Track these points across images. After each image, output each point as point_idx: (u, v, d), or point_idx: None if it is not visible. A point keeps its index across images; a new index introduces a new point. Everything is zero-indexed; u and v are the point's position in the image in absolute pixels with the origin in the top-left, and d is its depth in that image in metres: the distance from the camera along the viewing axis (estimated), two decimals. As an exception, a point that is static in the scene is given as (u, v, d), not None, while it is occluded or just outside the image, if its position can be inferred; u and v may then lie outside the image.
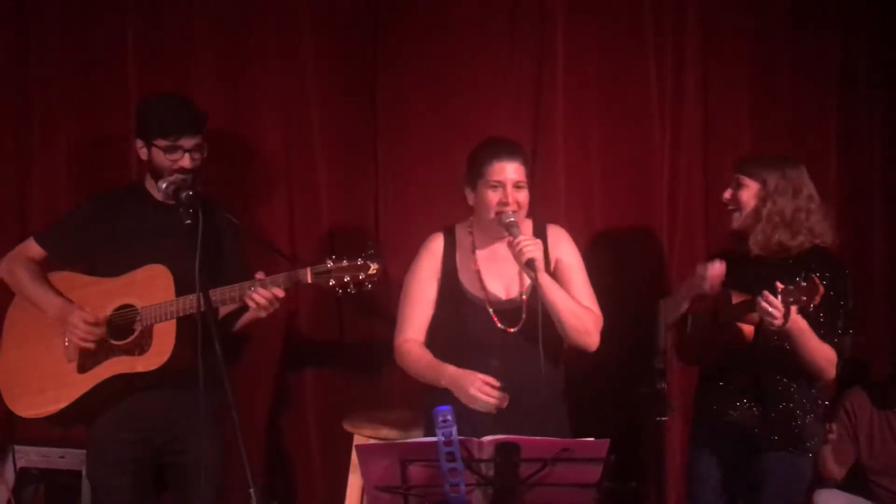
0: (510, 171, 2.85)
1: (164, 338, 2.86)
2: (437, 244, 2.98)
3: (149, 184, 3.04)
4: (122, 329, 2.91)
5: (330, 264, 2.77)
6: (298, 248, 3.71)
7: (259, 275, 2.81)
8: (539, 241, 2.83)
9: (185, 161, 2.92)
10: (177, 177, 2.87)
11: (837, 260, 2.97)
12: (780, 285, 2.66)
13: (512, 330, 2.88)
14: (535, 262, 2.76)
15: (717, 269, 2.91)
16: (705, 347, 3.02)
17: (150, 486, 3.01)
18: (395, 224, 3.72)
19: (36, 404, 2.96)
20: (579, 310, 2.86)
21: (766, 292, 2.67)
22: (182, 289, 2.85)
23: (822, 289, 2.63)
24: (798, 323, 2.75)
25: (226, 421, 2.79)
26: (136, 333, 2.89)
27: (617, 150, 3.77)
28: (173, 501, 3.06)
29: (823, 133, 3.86)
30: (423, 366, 2.90)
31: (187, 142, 2.93)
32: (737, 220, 3.00)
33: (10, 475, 3.39)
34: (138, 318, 2.88)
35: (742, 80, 3.81)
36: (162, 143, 2.92)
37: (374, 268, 2.75)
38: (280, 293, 2.81)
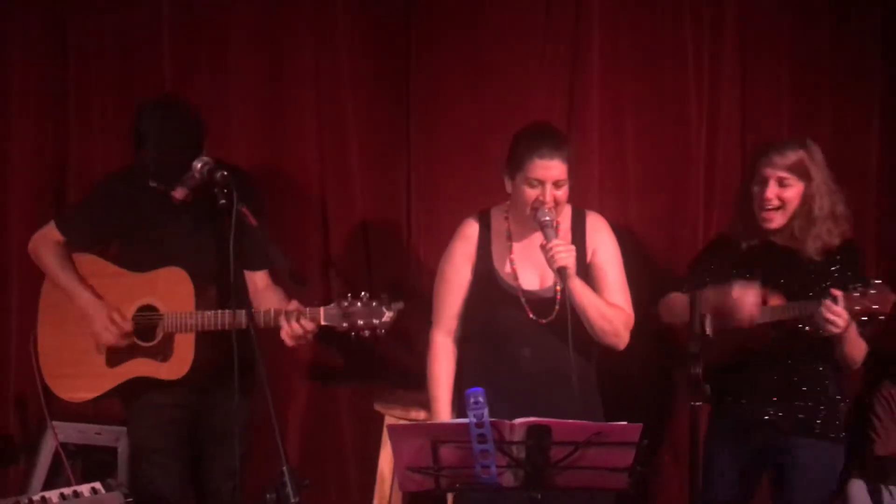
0: (551, 169, 2.78)
1: (185, 348, 2.92)
2: (471, 229, 2.97)
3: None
4: (147, 330, 2.97)
5: (345, 304, 2.75)
6: (331, 234, 3.72)
7: (292, 305, 2.81)
8: (572, 248, 2.76)
9: None
10: (208, 158, 2.86)
11: (862, 253, 2.97)
12: (836, 292, 2.69)
13: (544, 321, 2.86)
14: (566, 270, 2.71)
15: (753, 301, 2.83)
16: (722, 343, 2.90)
17: (187, 447, 3.08)
18: (427, 210, 3.71)
19: (72, 388, 3.05)
20: (610, 312, 2.84)
21: (827, 302, 2.69)
22: (199, 282, 2.90)
23: (893, 297, 2.66)
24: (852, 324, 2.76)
25: (254, 393, 2.86)
26: (159, 338, 2.94)
27: (653, 136, 3.73)
28: (201, 462, 3.11)
29: (865, 120, 3.77)
30: (431, 394, 2.93)
31: None
32: (778, 220, 2.90)
33: (47, 450, 3.44)
34: (161, 323, 2.93)
35: (781, 64, 3.73)
36: None
37: (388, 315, 2.72)
38: (310, 325, 2.80)
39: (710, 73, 3.70)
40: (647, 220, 3.73)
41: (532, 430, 2.30)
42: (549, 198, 2.78)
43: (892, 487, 3.47)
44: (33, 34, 3.64)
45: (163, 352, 2.95)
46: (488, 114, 3.64)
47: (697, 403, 2.43)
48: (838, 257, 2.89)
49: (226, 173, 2.68)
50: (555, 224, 2.80)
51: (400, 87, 3.71)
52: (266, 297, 2.96)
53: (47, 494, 2.83)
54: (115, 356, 2.99)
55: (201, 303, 2.91)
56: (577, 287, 2.77)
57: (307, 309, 2.80)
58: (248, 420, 3.00)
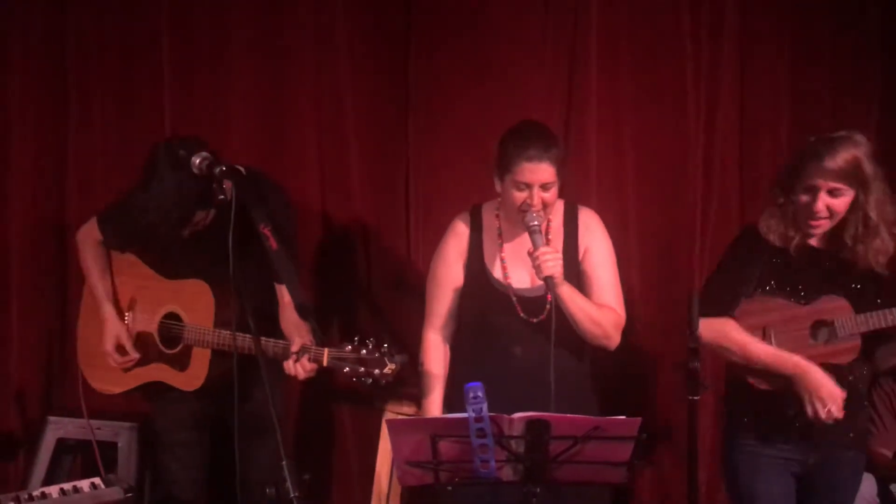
0: (538, 173, 2.76)
1: (200, 363, 2.99)
2: (462, 226, 2.97)
3: None
4: (171, 338, 3.06)
5: (348, 348, 2.73)
6: (330, 232, 3.72)
7: (295, 346, 2.82)
8: (559, 255, 2.76)
9: None
10: (207, 153, 2.85)
11: None
12: None
13: (534, 320, 2.86)
14: (553, 279, 2.71)
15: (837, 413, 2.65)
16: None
17: (207, 435, 3.13)
18: (426, 208, 3.71)
19: (102, 379, 3.16)
20: (599, 315, 2.83)
21: None
22: (222, 296, 2.96)
23: None
24: None
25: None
26: (180, 347, 3.03)
27: (651, 134, 3.72)
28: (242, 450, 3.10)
29: (864, 117, 3.77)
30: (423, 392, 2.94)
31: None
32: (825, 227, 2.68)
33: (47, 446, 3.45)
34: (183, 335, 3.01)
35: (780, 63, 3.73)
36: None
37: (390, 367, 2.70)
38: (311, 367, 2.82)
39: (708, 70, 3.69)
40: (644, 218, 3.73)
41: (531, 424, 2.31)
42: (536, 201, 2.77)
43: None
44: (33, 34, 3.64)
45: (181, 362, 3.03)
46: (488, 113, 3.63)
47: (696, 398, 2.44)
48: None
49: (224, 168, 2.66)
50: (543, 227, 2.81)
51: (399, 86, 3.71)
52: (289, 313, 2.91)
53: (47, 489, 2.85)
54: (142, 357, 3.09)
55: (221, 318, 2.96)
56: (566, 293, 2.77)
57: (312, 348, 2.81)
58: (281, 411, 3.05)
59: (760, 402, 2.78)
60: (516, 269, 2.90)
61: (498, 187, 2.88)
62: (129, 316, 3.14)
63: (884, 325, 2.63)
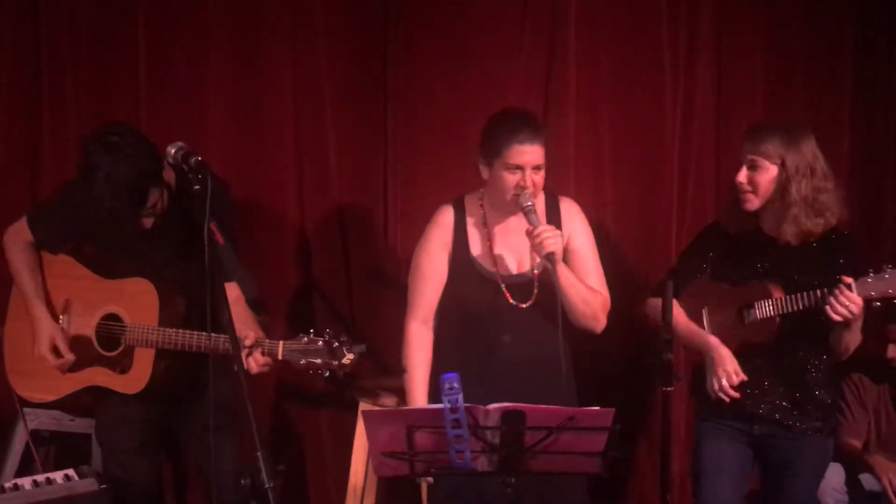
0: (531, 155, 2.78)
1: (143, 364, 2.90)
2: (446, 217, 2.96)
3: None
4: (110, 340, 2.95)
5: (304, 340, 2.68)
6: (307, 221, 3.71)
7: (248, 340, 2.75)
8: (559, 233, 2.78)
9: None
10: (182, 143, 2.83)
11: (859, 245, 2.91)
12: (847, 279, 2.63)
13: (524, 305, 2.87)
14: (554, 256, 2.73)
15: (732, 388, 2.81)
16: (723, 341, 2.86)
17: (157, 446, 3.05)
18: (404, 196, 3.70)
19: (31, 387, 3.04)
20: (590, 296, 2.86)
21: (842, 287, 2.63)
22: (166, 294, 2.89)
23: None
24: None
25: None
26: (120, 349, 2.93)
27: (628, 121, 3.75)
28: (195, 454, 3.07)
29: (837, 108, 3.81)
30: (407, 384, 2.92)
31: None
32: (752, 202, 2.83)
33: (20, 438, 3.42)
34: (124, 335, 2.92)
35: (756, 52, 3.77)
36: None
37: (348, 357, 2.64)
38: (266, 361, 2.76)
39: (685, 58, 3.72)
40: (621, 205, 3.76)
41: (506, 415, 2.32)
42: (529, 182, 2.79)
43: (865, 474, 3.53)
44: (4, 31, 3.57)
45: (122, 364, 2.93)
46: (466, 99, 3.63)
47: (669, 389, 2.45)
48: (831, 245, 2.83)
49: (200, 158, 2.64)
50: (536, 211, 2.81)
51: (378, 73, 3.69)
52: (234, 312, 2.78)
53: (20, 481, 2.82)
54: (76, 361, 2.98)
55: (166, 317, 2.89)
56: (564, 272, 2.80)
57: (266, 341, 2.75)
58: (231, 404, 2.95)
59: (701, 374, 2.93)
60: (503, 255, 2.91)
61: (485, 174, 2.87)
62: (64, 319, 3.02)
63: (797, 308, 2.75)
